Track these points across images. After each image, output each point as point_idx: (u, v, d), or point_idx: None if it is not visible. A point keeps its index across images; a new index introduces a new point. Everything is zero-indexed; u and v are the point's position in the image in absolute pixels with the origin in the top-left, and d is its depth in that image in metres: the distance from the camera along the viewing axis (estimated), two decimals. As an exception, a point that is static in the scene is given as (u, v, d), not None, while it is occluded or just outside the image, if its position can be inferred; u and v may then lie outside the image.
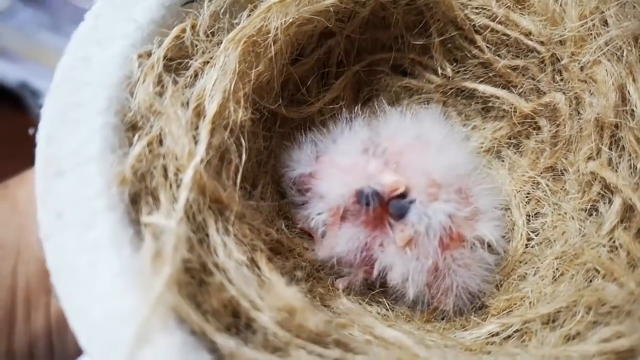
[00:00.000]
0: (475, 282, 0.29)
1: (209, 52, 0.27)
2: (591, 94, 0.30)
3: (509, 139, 0.36)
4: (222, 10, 0.28)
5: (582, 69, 0.30)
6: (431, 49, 0.35)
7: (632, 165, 0.29)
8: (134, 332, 0.19)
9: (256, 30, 0.28)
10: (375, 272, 0.29)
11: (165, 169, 0.23)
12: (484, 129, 0.37)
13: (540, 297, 0.29)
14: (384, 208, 0.28)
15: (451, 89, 0.37)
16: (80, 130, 0.23)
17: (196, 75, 0.27)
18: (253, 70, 0.29)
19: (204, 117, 0.25)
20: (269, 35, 0.29)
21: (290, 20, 0.29)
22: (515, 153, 0.36)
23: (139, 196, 0.23)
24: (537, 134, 0.35)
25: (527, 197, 0.34)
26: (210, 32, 0.28)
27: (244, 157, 0.26)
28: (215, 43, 0.28)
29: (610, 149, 0.30)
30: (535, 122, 0.34)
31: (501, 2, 0.32)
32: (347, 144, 0.31)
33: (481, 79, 0.35)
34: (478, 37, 0.34)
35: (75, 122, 0.23)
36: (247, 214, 0.26)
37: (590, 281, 0.28)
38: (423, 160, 0.29)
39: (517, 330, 0.28)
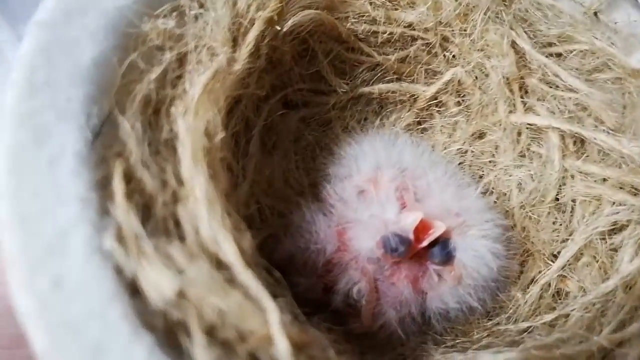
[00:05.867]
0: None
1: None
2: (490, 59, 0.33)
3: (418, 124, 0.37)
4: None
5: (473, 41, 0.33)
6: (321, 71, 0.34)
7: (549, 105, 0.33)
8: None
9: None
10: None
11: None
12: (385, 125, 0.37)
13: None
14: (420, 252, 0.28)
15: (347, 101, 0.36)
16: None
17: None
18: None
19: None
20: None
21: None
22: (423, 136, 0.38)
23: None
24: (443, 113, 0.37)
25: (460, 166, 0.36)
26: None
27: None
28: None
29: (522, 97, 0.33)
30: (439, 102, 0.36)
31: (374, 5, 0.32)
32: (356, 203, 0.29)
33: (373, 81, 0.35)
34: (362, 45, 0.33)
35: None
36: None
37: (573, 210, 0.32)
38: (428, 190, 0.29)
39: None
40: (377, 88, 0.36)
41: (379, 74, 0.35)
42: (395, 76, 0.36)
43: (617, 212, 0.29)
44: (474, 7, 0.32)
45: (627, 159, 0.30)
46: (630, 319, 0.26)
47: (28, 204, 0.19)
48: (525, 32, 0.32)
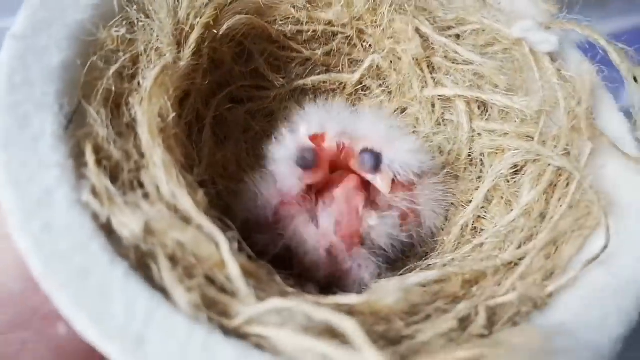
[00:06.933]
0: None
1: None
2: (399, 44, 0.39)
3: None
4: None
5: (383, 30, 0.39)
6: (259, 68, 0.39)
7: (454, 78, 0.39)
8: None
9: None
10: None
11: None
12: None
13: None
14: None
15: (285, 93, 0.41)
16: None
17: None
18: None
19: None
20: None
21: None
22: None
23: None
24: (369, 95, 0.42)
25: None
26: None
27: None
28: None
29: (431, 73, 0.39)
30: (364, 87, 0.42)
31: (297, 8, 0.38)
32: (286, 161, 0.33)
33: (305, 74, 0.41)
34: (292, 43, 0.39)
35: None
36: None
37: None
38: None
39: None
40: (310, 80, 0.41)
41: (310, 68, 0.41)
42: (324, 68, 0.42)
43: (515, 156, 0.35)
44: (380, 1, 0.38)
45: (519, 113, 0.36)
46: (530, 237, 0.32)
47: (18, 171, 0.24)
48: (426, 19, 0.38)
